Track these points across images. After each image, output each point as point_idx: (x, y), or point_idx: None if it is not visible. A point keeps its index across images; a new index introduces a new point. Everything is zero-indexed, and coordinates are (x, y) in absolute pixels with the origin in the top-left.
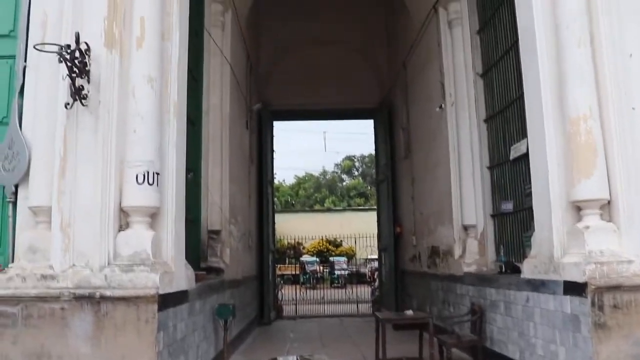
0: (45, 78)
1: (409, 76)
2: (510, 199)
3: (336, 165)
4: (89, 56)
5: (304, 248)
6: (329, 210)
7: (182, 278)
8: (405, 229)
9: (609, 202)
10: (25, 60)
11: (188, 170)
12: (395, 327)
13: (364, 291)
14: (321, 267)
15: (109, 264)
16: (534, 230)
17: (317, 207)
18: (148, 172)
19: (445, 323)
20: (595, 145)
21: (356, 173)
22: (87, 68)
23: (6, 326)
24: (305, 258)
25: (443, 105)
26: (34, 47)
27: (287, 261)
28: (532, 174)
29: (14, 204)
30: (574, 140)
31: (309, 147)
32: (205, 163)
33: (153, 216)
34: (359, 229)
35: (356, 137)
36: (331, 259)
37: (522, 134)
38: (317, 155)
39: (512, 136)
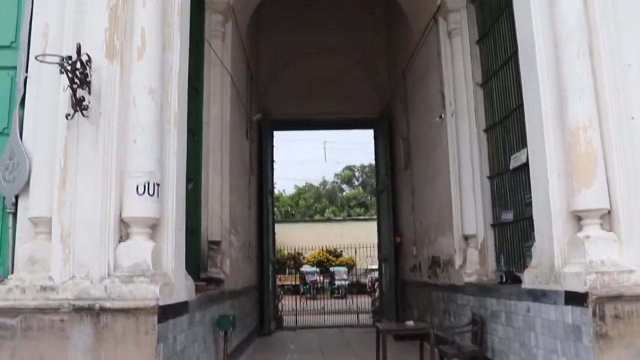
0: (46, 89)
1: (408, 86)
2: (511, 208)
3: (336, 175)
4: (90, 67)
5: (304, 258)
6: (329, 220)
7: (182, 289)
8: (406, 238)
9: (609, 212)
10: (27, 71)
11: (188, 180)
12: (396, 337)
13: (365, 301)
14: (321, 278)
15: (109, 275)
16: (534, 240)
17: (317, 217)
18: (148, 183)
19: (446, 333)
20: (595, 155)
21: (356, 183)
22: (88, 79)
23: (5, 338)
24: (306, 268)
25: (443, 115)
26: (35, 58)
27: (287, 271)
28: (532, 184)
29: (14, 214)
30: (574, 150)
31: (309, 157)
32: (206, 173)
33: (153, 227)
34: (359, 239)
35: (356, 147)
36: (331, 269)
37: (522, 143)
38: (317, 165)
39: (512, 146)
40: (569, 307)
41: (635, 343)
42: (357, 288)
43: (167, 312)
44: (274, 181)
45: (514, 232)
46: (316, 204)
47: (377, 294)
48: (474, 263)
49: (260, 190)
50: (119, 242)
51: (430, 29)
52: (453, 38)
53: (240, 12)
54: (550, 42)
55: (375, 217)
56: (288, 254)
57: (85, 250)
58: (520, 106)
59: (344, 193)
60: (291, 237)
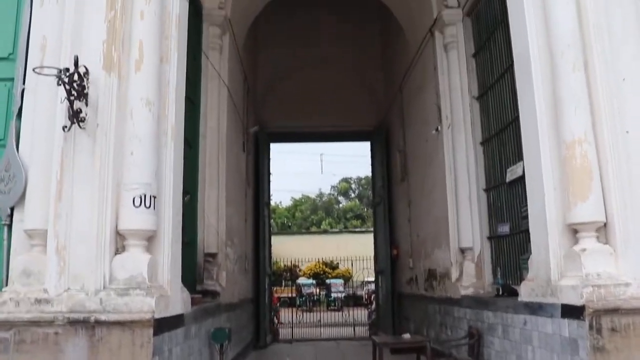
0: (44, 101)
1: (405, 99)
2: (507, 221)
3: (333, 187)
4: (87, 79)
5: (300, 270)
6: (325, 232)
7: (178, 302)
8: (402, 251)
9: (605, 225)
10: (24, 83)
11: (185, 193)
12: (393, 350)
13: (361, 314)
14: (317, 290)
15: (104, 287)
16: (530, 252)
17: (313, 229)
18: (145, 195)
19: (443, 346)
20: (590, 168)
21: (353, 195)
22: (85, 91)
23: None
24: (302, 280)
25: (439, 127)
26: (33, 70)
27: (283, 283)
28: (529, 197)
29: (9, 226)
30: (570, 164)
31: (305, 169)
32: (202, 185)
33: (149, 239)
34: (355, 251)
35: (353, 160)
36: (328, 281)
37: (518, 156)
38: (314, 177)
39: (509, 158)
40: (566, 320)
41: (633, 356)
42: (353, 300)
43: (162, 325)
44: (271, 193)
45: (511, 245)
46: (312, 216)
47: (373, 306)
48: (470, 276)
49: (256, 202)
50: (115, 254)
51: (426, 42)
52: (449, 51)
53: (238, 25)
54: (545, 56)
55: (372, 229)
56: (284, 265)
57: (81, 263)
58: (516, 119)
59: (341, 205)
60: (287, 249)
